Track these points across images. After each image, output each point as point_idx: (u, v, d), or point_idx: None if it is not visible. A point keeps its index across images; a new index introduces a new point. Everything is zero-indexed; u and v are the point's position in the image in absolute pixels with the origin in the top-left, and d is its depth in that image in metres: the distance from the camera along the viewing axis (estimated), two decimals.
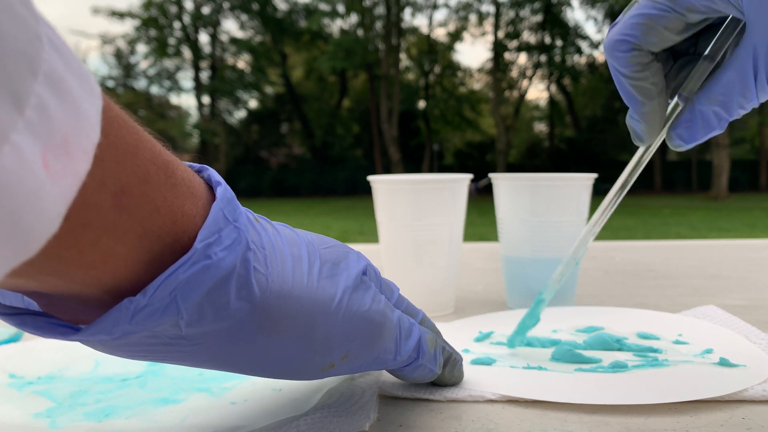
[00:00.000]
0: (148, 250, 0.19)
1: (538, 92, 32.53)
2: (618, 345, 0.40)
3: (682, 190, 17.15)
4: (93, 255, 0.17)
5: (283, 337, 0.23)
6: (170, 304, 0.19)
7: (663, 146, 17.44)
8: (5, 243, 0.12)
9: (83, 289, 0.19)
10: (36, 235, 0.13)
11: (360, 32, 15.48)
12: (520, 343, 0.41)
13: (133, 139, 0.18)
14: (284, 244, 0.24)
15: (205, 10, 16.70)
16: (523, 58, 17.89)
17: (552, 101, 19.33)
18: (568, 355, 0.38)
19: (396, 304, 0.31)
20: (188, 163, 0.23)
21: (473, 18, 16.84)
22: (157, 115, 18.22)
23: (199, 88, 17.22)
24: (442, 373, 0.32)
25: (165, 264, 0.19)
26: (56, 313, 0.20)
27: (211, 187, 0.22)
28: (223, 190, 0.21)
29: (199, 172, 0.23)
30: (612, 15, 16.75)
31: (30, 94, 0.13)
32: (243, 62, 17.74)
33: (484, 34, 17.67)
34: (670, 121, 0.33)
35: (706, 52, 0.32)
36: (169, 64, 17.31)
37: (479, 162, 19.31)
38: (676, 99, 0.33)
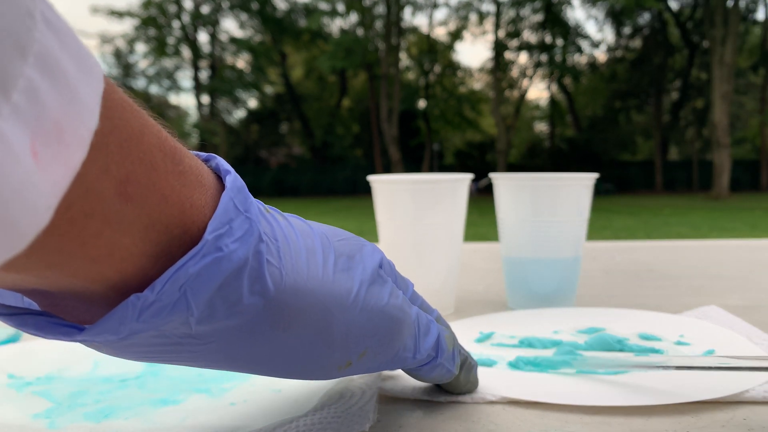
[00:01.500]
0: (155, 243, 0.18)
1: (538, 92, 32.56)
2: (619, 346, 0.40)
3: (683, 189, 17.15)
4: (97, 248, 0.16)
5: (299, 334, 0.22)
6: (180, 300, 0.18)
7: (663, 145, 17.48)
8: None
9: (87, 286, 0.17)
10: (23, 230, 0.12)
11: (360, 31, 15.49)
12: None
13: (138, 123, 0.17)
14: (297, 235, 0.23)
15: (205, 9, 16.71)
16: (523, 58, 17.94)
17: (552, 101, 19.33)
18: (569, 355, 0.38)
19: (411, 300, 0.29)
20: (194, 152, 0.21)
21: (473, 17, 16.86)
22: (157, 114, 18.14)
23: (198, 88, 17.23)
24: (457, 378, 0.31)
25: (173, 257, 0.18)
26: (58, 313, 0.19)
27: (219, 178, 0.21)
28: (233, 178, 0.20)
29: (206, 161, 0.21)
30: (612, 14, 16.77)
31: (17, 77, 0.12)
32: (242, 62, 17.75)
33: (484, 33, 17.69)
34: None
35: None
36: (168, 63, 17.32)
37: (479, 162, 19.32)
38: None
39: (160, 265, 0.18)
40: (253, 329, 0.21)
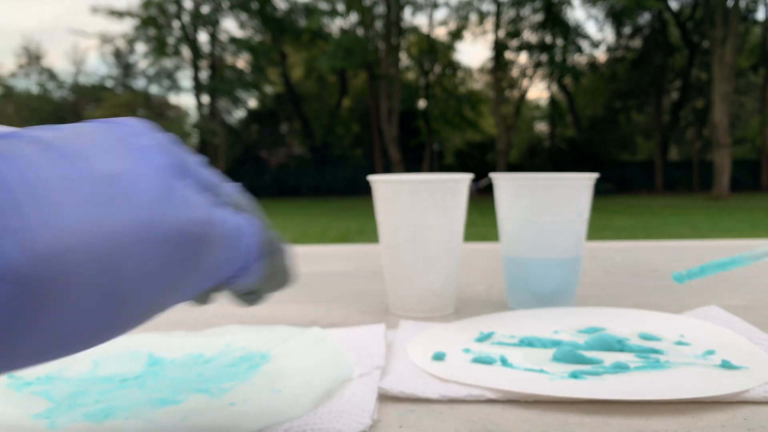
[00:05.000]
0: None
1: (538, 92, 32.55)
2: (619, 346, 0.40)
3: (684, 190, 17.15)
4: None
5: (78, 305, 0.17)
6: None
7: (663, 145, 17.48)
8: None
9: None
10: None
11: (360, 31, 15.49)
12: (691, 276, 0.41)
13: None
14: (43, 164, 0.17)
15: (205, 9, 16.71)
16: (523, 58, 17.94)
17: (553, 101, 19.33)
18: (569, 355, 0.38)
19: (219, 196, 0.23)
20: None
21: (474, 17, 16.86)
22: (156, 114, 18.22)
23: (198, 88, 17.23)
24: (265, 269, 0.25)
25: None
26: None
27: None
28: None
29: None
30: (613, 14, 16.77)
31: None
32: (242, 62, 17.75)
33: (484, 33, 17.70)
34: None
35: None
36: (168, 63, 17.34)
37: (480, 162, 19.31)
38: None
39: None
40: (8, 322, 0.15)
